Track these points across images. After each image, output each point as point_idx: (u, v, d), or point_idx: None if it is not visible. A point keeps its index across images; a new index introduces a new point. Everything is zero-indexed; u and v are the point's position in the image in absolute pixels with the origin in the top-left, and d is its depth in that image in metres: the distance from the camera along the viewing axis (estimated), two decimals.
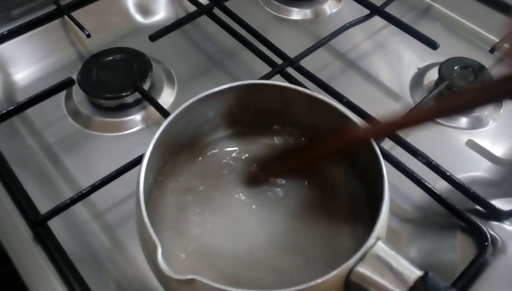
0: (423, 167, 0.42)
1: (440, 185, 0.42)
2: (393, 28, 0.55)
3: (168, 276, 0.27)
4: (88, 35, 0.52)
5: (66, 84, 0.48)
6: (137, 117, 0.48)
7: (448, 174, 0.42)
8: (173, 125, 0.35)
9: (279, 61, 0.50)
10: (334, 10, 0.61)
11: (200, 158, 0.40)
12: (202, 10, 0.55)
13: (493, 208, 0.41)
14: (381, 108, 0.49)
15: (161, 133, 0.34)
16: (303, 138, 0.40)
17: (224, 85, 0.37)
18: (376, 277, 0.28)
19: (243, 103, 0.38)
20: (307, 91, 0.37)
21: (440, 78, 0.51)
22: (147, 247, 0.30)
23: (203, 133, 0.39)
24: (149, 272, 0.32)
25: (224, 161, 0.40)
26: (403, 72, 0.54)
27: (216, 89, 0.36)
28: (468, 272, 0.37)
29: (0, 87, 0.51)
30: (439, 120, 0.31)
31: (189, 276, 0.27)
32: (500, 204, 0.41)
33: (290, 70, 0.50)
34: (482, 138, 0.48)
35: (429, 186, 0.41)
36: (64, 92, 0.49)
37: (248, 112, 0.39)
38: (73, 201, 0.39)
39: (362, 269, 0.29)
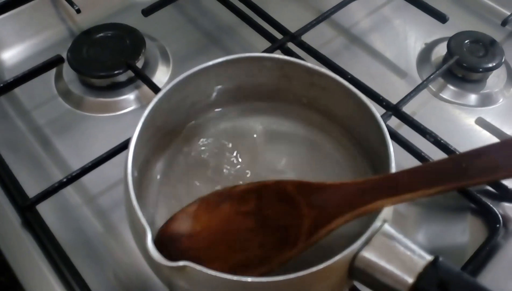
0: (431, 146, 0.41)
1: None
2: (399, 1, 0.53)
3: (158, 263, 0.25)
4: (78, 11, 0.50)
5: (55, 62, 0.46)
6: (131, 96, 0.46)
7: (457, 153, 0.40)
8: (165, 103, 0.33)
9: (279, 36, 0.48)
10: None
11: (194, 137, 0.38)
12: None
13: (505, 188, 0.39)
14: (387, 85, 0.48)
15: (150, 111, 0.32)
16: None
17: (220, 59, 0.35)
18: (383, 263, 0.27)
19: (240, 79, 0.37)
20: (308, 64, 0.35)
21: (449, 53, 0.48)
22: (136, 231, 0.28)
23: (197, 111, 0.37)
24: None
25: (220, 140, 0.38)
26: (409, 47, 0.52)
27: (211, 62, 0.34)
28: (478, 255, 0.36)
29: None
30: None
31: (181, 263, 0.25)
32: None
33: (291, 45, 0.48)
34: (492, 116, 0.47)
35: None
36: (54, 71, 0.47)
37: (245, 88, 0.37)
38: (62, 184, 0.37)
39: (368, 254, 0.27)
